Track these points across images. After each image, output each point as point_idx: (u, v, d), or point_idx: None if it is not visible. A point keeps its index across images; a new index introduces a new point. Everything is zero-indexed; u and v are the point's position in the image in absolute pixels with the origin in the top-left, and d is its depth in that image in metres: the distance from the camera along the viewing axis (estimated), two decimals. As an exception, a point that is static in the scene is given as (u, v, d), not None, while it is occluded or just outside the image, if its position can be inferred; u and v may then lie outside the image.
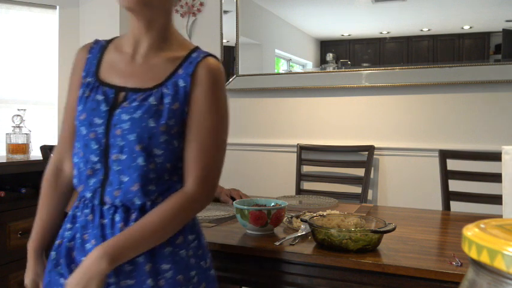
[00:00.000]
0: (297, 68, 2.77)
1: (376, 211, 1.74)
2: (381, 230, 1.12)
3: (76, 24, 2.88)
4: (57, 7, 2.84)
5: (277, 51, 2.79)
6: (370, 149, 2.45)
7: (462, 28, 2.32)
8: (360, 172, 2.47)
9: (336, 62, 2.60)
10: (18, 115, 2.36)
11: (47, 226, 1.08)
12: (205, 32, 2.90)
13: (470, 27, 2.30)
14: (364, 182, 2.41)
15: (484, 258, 0.33)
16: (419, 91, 2.41)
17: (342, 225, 1.24)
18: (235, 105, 2.84)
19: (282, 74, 2.73)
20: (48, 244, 1.09)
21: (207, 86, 0.98)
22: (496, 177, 1.94)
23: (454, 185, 2.11)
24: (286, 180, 2.68)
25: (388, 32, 2.47)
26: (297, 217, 1.43)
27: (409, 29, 2.43)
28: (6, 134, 2.35)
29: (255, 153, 2.79)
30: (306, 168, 2.66)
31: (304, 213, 1.51)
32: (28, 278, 1.08)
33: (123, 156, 0.94)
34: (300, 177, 2.59)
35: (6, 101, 2.67)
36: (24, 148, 2.34)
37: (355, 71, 2.51)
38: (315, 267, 1.12)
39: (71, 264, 0.96)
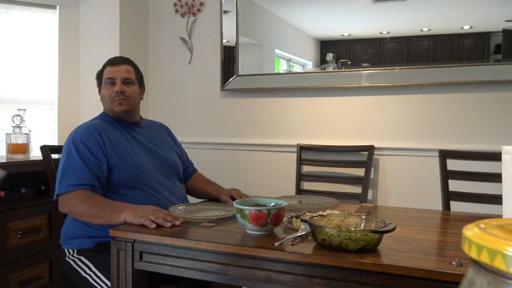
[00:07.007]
0: (297, 68, 2.77)
1: (376, 211, 1.74)
2: (381, 230, 1.12)
3: (76, 24, 2.88)
4: (57, 7, 2.84)
5: (277, 51, 2.79)
6: (370, 149, 2.45)
7: (462, 28, 2.32)
8: (360, 172, 2.47)
9: (336, 62, 2.60)
10: (18, 115, 2.36)
11: None
12: (205, 32, 2.90)
13: (470, 27, 2.30)
14: (364, 182, 2.41)
15: (484, 258, 0.33)
16: (419, 91, 2.41)
17: (342, 225, 1.24)
18: (235, 105, 2.84)
19: (282, 74, 2.73)
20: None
21: None
22: (496, 177, 1.94)
23: (454, 185, 2.11)
24: (286, 180, 2.68)
25: (388, 32, 2.47)
26: (297, 217, 1.43)
27: (409, 29, 2.43)
28: (6, 134, 2.35)
29: (255, 153, 2.79)
30: (306, 168, 2.66)
31: (304, 213, 1.51)
32: None
33: None
34: (300, 177, 2.59)
35: (6, 101, 2.67)
36: (24, 148, 2.34)
37: (355, 71, 2.51)
38: (315, 267, 1.12)
39: None
